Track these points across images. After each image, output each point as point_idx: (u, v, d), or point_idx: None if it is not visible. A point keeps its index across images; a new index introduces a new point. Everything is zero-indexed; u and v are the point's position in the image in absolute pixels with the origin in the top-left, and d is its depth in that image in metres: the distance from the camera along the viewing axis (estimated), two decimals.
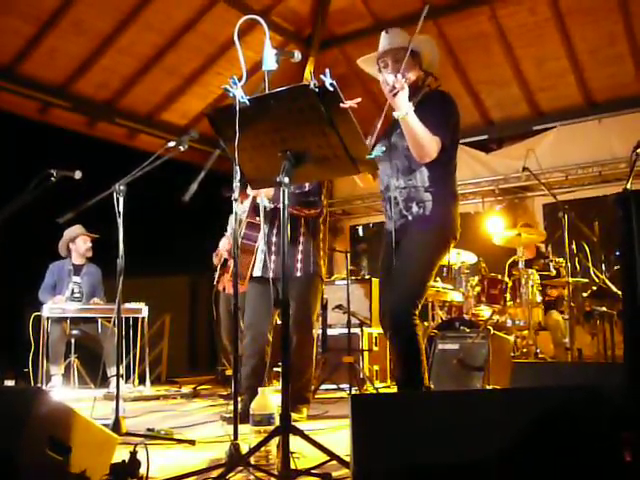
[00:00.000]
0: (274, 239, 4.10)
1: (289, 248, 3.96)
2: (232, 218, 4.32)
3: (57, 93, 7.06)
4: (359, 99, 2.29)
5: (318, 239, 4.19)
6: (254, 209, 4.13)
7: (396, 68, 3.06)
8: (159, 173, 4.07)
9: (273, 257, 4.08)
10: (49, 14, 6.32)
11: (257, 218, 4.14)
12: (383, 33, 3.25)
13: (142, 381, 6.02)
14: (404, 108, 2.84)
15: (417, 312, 3.02)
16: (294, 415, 3.99)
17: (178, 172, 5.03)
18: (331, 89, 2.16)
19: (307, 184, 4.05)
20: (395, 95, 2.79)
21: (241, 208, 4.27)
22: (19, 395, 2.11)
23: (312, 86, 2.17)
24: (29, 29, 6.39)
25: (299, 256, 4.06)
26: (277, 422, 2.45)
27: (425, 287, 3.10)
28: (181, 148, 3.51)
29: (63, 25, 6.43)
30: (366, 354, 6.12)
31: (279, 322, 4.66)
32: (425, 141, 2.96)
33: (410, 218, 3.13)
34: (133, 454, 2.25)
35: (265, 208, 4.04)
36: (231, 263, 4.31)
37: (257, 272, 4.14)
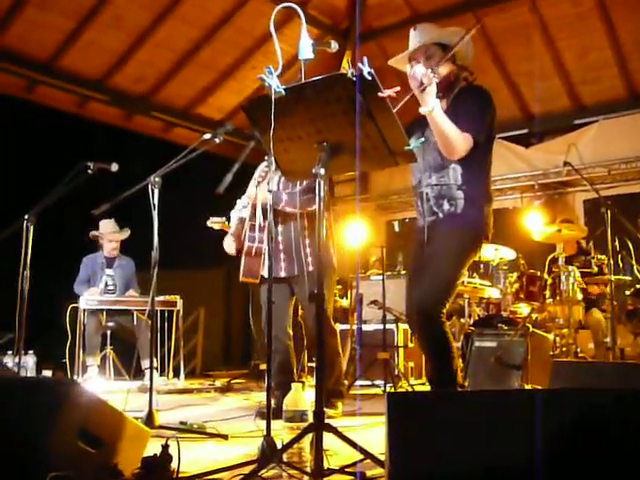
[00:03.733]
0: (280, 238, 4.11)
1: (297, 246, 4.00)
2: (233, 215, 4.29)
3: (95, 87, 7.14)
4: (398, 88, 2.23)
5: (326, 232, 4.14)
6: (254, 212, 4.08)
7: (428, 65, 2.98)
8: (195, 166, 4.06)
9: (282, 256, 4.11)
10: (88, 9, 6.38)
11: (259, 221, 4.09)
12: (412, 30, 3.16)
13: (176, 374, 6.05)
14: (431, 104, 2.76)
15: (444, 310, 2.96)
16: (329, 411, 3.97)
17: (215, 165, 5.02)
18: (369, 78, 2.10)
19: (304, 182, 3.99)
20: (423, 91, 2.71)
21: (242, 207, 4.23)
22: (52, 386, 2.10)
23: (349, 75, 2.11)
24: (68, 24, 6.46)
25: (308, 250, 4.08)
26: (310, 418, 2.40)
27: (453, 285, 3.02)
28: (217, 140, 3.49)
29: (101, 20, 6.48)
30: (401, 350, 6.04)
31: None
32: (453, 138, 2.87)
33: (441, 215, 3.06)
34: (165, 448, 2.23)
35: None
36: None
37: (266, 272, 4.08)
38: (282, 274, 4.08)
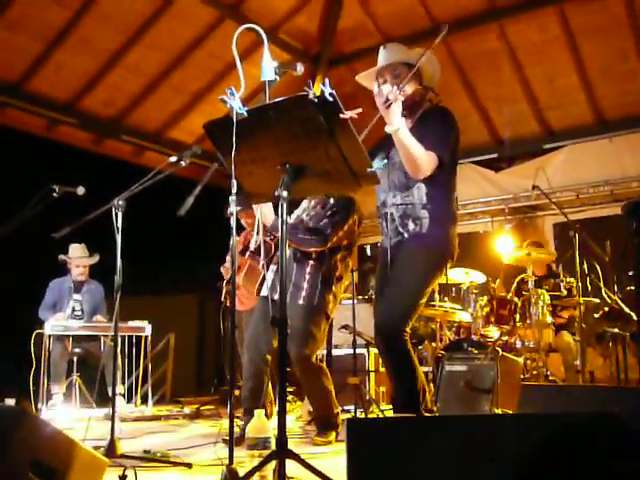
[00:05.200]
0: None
1: (297, 277, 3.92)
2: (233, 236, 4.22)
3: (64, 110, 7.05)
4: (359, 109, 2.22)
5: (330, 275, 4.00)
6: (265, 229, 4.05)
7: (395, 83, 3.01)
8: (167, 191, 4.02)
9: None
10: (56, 31, 6.33)
11: (267, 238, 4.09)
12: (381, 48, 3.20)
13: (145, 401, 5.93)
14: (396, 123, 2.77)
15: (408, 329, 2.93)
16: (319, 439, 3.94)
17: (187, 190, 5.00)
18: (330, 99, 2.09)
19: (316, 222, 3.98)
20: (388, 107, 2.72)
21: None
22: (3, 415, 2.02)
23: (311, 96, 2.10)
24: (36, 46, 6.39)
25: (305, 285, 3.92)
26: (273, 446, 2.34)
27: (417, 306, 3.01)
28: (182, 163, 3.46)
29: (70, 42, 6.43)
30: (372, 375, 5.99)
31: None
32: (418, 157, 2.88)
33: (406, 236, 3.05)
34: (122, 478, 2.16)
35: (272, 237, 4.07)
36: (238, 280, 4.27)
37: (265, 291, 4.08)
38: (276, 297, 3.80)
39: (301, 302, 3.90)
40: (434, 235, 3.02)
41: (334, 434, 4.01)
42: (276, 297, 3.91)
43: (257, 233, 4.05)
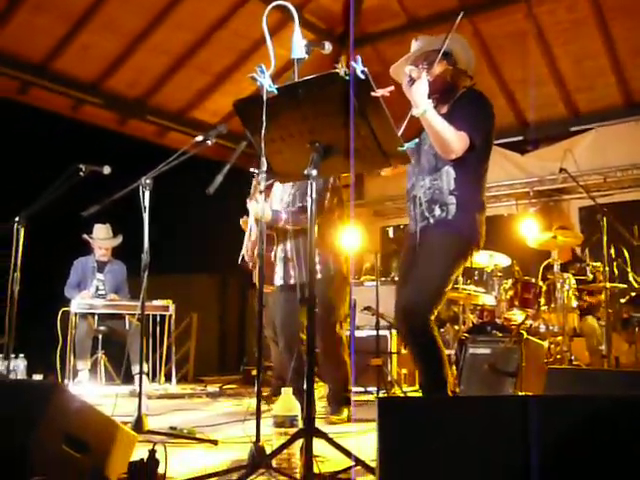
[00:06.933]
0: (289, 249, 4.14)
1: (305, 255, 3.98)
2: (251, 216, 4.24)
3: (89, 90, 7.09)
4: (392, 87, 2.21)
5: (333, 239, 4.16)
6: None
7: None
8: (191, 171, 4.03)
9: (291, 264, 4.13)
10: (82, 12, 6.33)
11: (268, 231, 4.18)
12: (413, 40, 3.16)
13: (168, 379, 6.00)
14: (422, 104, 2.74)
15: (433, 317, 2.92)
16: (334, 417, 4.00)
17: (211, 170, 5.00)
18: (362, 77, 2.07)
19: (302, 197, 4.07)
20: (412, 84, 2.70)
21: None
22: (36, 390, 2.05)
23: (342, 73, 2.08)
24: (62, 27, 6.41)
25: (317, 259, 4.01)
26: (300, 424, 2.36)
27: (441, 293, 2.98)
28: (209, 142, 3.46)
29: (95, 23, 6.43)
30: (395, 357, 5.99)
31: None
32: (448, 137, 2.84)
33: (432, 221, 3.02)
34: (152, 453, 2.19)
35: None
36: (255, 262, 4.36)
37: (279, 281, 4.19)
38: (292, 282, 4.10)
39: (319, 276, 4.01)
40: (460, 222, 2.99)
41: (346, 410, 4.07)
42: (292, 282, 4.01)
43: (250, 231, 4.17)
